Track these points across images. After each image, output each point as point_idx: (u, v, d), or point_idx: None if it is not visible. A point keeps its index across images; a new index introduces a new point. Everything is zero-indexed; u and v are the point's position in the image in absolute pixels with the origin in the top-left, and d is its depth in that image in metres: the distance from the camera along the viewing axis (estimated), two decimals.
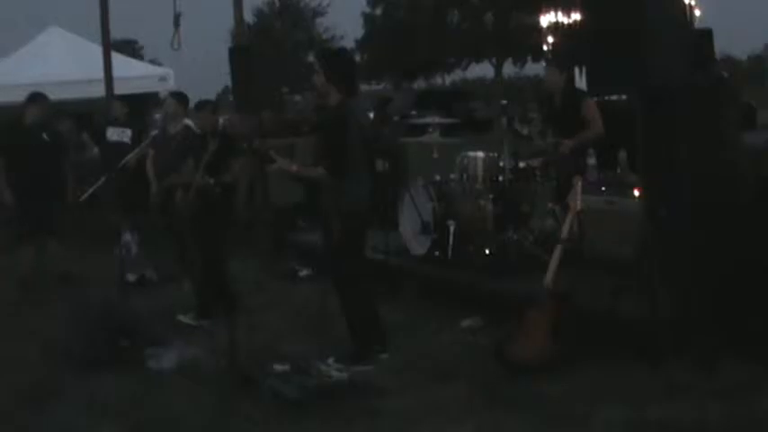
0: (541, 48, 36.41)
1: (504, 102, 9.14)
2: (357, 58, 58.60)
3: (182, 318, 7.44)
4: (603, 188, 7.62)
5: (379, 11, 57.81)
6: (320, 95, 6.49)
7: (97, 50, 13.39)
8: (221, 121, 8.43)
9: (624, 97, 9.14)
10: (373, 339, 6.25)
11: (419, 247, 8.47)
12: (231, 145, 7.66)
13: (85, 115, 13.63)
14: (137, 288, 8.56)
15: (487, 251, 7.88)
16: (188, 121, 8.85)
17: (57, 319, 7.20)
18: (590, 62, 5.97)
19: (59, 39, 17.22)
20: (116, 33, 14.24)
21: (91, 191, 8.81)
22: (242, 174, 7.48)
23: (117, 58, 13.99)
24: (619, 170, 7.96)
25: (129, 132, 11.00)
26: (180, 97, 8.20)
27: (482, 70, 58.19)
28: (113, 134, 11.01)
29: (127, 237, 10.59)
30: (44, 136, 9.08)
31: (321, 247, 6.64)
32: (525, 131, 8.46)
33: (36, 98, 9.19)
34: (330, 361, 6.06)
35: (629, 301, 5.86)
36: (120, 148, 10.32)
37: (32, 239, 8.90)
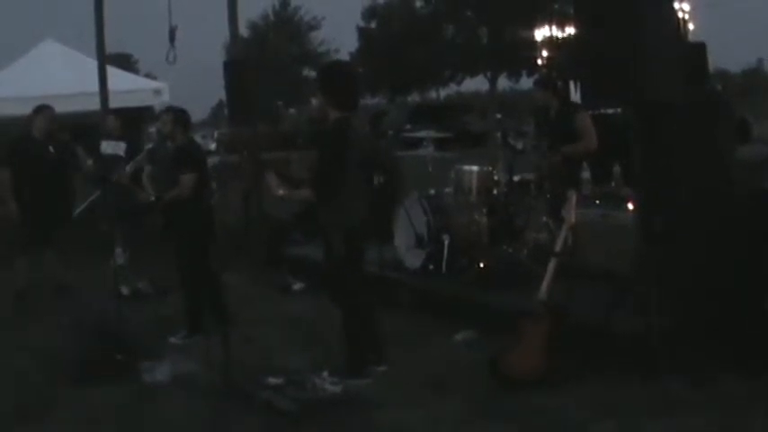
0: (536, 62, 36.51)
1: (499, 116, 9.15)
2: None
3: (172, 339, 7.40)
4: (598, 201, 7.63)
5: (373, 24, 57.95)
6: (321, 112, 6.40)
7: (92, 64, 13.38)
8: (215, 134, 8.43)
9: (619, 110, 9.19)
10: (371, 352, 6.24)
11: (414, 260, 8.47)
12: (185, 160, 7.65)
13: (80, 128, 13.61)
14: (131, 301, 8.53)
15: (482, 264, 7.88)
16: (191, 136, 8.81)
17: (53, 332, 7.18)
18: (584, 76, 5.99)
19: (55, 52, 17.20)
20: (111, 47, 14.25)
21: (85, 204, 8.79)
22: (187, 189, 7.43)
23: (112, 71, 13.97)
24: (613, 183, 7.95)
25: (123, 146, 10.99)
26: (178, 113, 8.12)
27: (477, 84, 58.31)
28: (108, 147, 11.00)
29: (118, 250, 10.60)
30: (50, 149, 9.06)
31: (322, 262, 6.60)
32: (520, 146, 8.50)
33: (40, 110, 9.17)
34: (325, 374, 6.05)
35: (624, 314, 5.86)
36: (115, 161, 10.32)
37: (30, 251, 8.87)
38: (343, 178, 6.03)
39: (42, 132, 9.04)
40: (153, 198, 7.65)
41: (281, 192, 6.55)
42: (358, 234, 6.19)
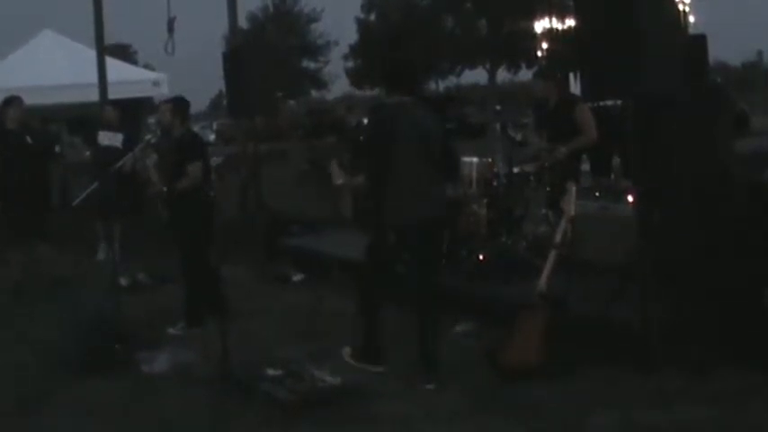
0: (536, 53, 36.50)
1: (498, 107, 9.13)
2: (350, 63, 58.80)
3: (171, 330, 7.38)
4: (597, 194, 7.62)
5: (372, 16, 57.86)
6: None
7: (91, 54, 13.37)
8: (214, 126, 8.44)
9: (618, 103, 9.16)
10: (420, 370, 6.02)
11: None
12: (189, 150, 7.62)
13: (78, 119, 13.60)
14: (130, 292, 8.52)
15: (481, 256, 7.87)
16: (189, 126, 8.77)
17: (50, 324, 7.18)
18: (584, 68, 5.97)
19: (53, 42, 17.17)
20: (110, 38, 14.23)
21: (83, 195, 8.72)
22: (197, 179, 7.42)
23: (111, 62, 13.95)
24: (612, 176, 7.94)
25: (120, 137, 10.97)
26: (177, 102, 8.04)
27: (476, 76, 58.30)
28: (105, 138, 10.98)
29: (102, 245, 10.64)
30: (27, 139, 9.03)
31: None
32: (519, 137, 8.48)
33: (10, 101, 9.13)
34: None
35: (622, 307, 5.85)
36: (112, 152, 10.28)
37: (21, 244, 8.85)
38: (387, 168, 5.82)
39: (16, 123, 9.03)
40: (165, 189, 7.61)
41: (340, 181, 6.52)
42: (400, 233, 5.95)
